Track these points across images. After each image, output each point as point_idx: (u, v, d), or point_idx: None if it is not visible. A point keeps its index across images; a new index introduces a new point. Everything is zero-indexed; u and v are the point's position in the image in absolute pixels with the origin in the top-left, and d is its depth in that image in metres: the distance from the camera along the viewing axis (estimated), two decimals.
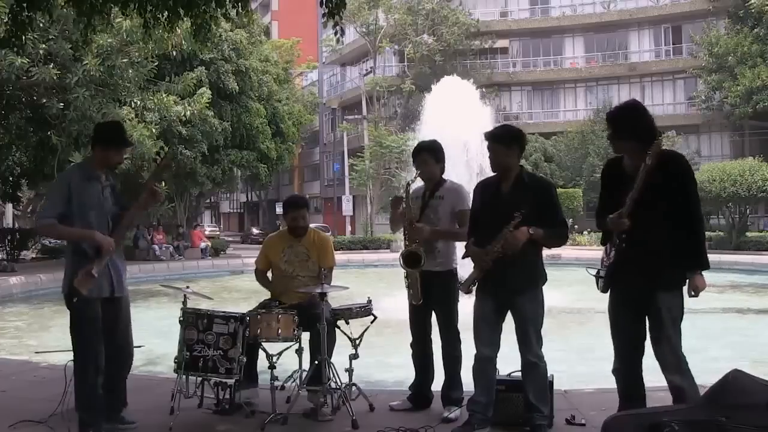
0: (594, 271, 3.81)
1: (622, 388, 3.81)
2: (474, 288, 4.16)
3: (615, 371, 3.82)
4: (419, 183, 4.81)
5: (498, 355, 4.17)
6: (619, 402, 3.81)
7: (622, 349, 3.77)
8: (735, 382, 3.20)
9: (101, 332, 4.05)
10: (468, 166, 13.64)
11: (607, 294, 3.81)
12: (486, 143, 4.16)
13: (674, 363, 3.59)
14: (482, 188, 4.30)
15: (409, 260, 4.55)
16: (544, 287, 4.19)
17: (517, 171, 4.13)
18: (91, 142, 4.32)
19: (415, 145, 4.87)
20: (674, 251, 3.57)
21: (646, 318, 3.67)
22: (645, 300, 3.62)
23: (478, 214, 4.21)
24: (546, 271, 4.19)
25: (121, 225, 4.15)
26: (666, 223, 3.58)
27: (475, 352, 4.15)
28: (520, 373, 4.29)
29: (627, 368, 3.77)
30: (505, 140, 4.12)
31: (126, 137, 4.39)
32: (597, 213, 3.84)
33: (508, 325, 4.16)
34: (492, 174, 4.24)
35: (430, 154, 4.66)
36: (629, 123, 3.65)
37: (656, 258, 3.56)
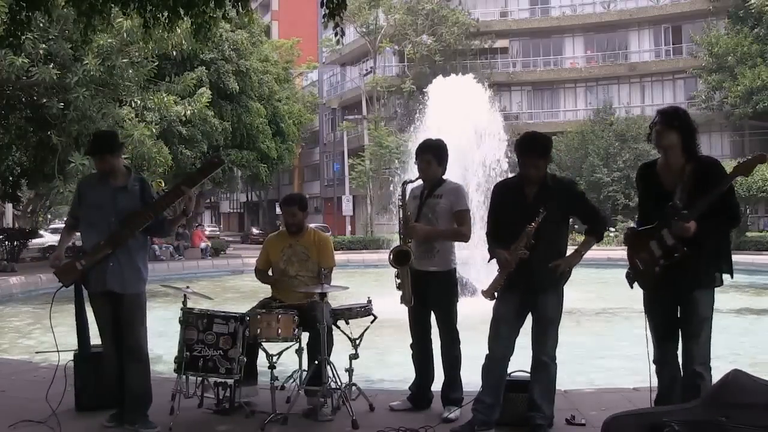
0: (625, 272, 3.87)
1: (661, 378, 3.84)
2: (497, 293, 4.16)
3: (656, 362, 3.85)
4: (418, 181, 4.77)
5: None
6: (657, 393, 3.83)
7: (659, 341, 3.82)
8: (735, 382, 3.20)
9: (111, 327, 4.29)
10: (462, 165, 13.66)
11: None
12: (519, 154, 4.11)
13: (702, 356, 3.66)
14: (503, 189, 4.29)
15: (399, 258, 4.56)
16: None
17: (543, 175, 4.12)
18: None
19: (421, 142, 4.80)
20: (712, 252, 3.65)
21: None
22: (681, 297, 3.69)
23: (501, 216, 4.19)
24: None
25: (126, 225, 4.15)
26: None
27: (487, 351, 4.15)
28: (520, 374, 4.30)
29: (666, 359, 3.81)
30: (546, 153, 4.12)
31: (97, 146, 4.31)
32: (639, 217, 3.88)
33: (523, 328, 4.16)
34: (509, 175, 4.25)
35: (434, 155, 4.63)
36: (680, 117, 3.70)
37: (697, 260, 3.60)
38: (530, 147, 4.09)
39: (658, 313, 3.79)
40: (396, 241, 4.79)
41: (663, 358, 3.82)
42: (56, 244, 4.44)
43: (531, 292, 4.07)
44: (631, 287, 3.85)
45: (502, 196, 4.24)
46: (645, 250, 3.70)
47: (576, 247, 4.11)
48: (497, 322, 4.13)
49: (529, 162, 4.06)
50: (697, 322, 3.66)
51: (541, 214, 3.93)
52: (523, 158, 4.08)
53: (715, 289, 3.71)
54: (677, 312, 3.75)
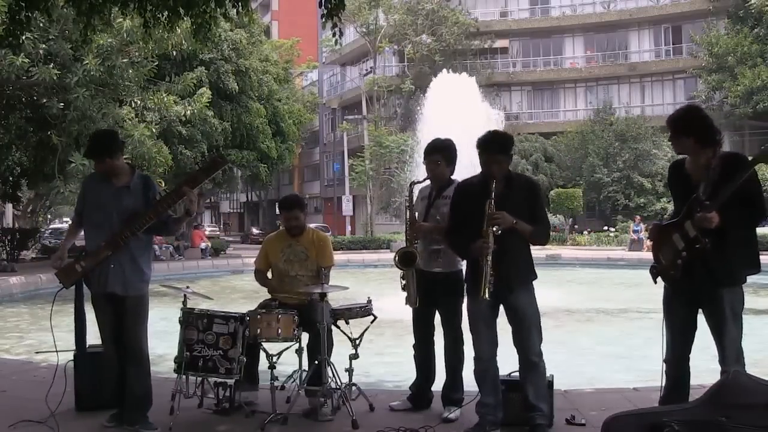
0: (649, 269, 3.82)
1: (669, 378, 3.79)
2: (491, 288, 4.08)
3: (666, 361, 3.79)
4: (426, 182, 4.72)
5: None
6: (663, 392, 3.78)
7: (673, 340, 3.76)
8: (735, 382, 3.21)
9: (111, 328, 4.27)
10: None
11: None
12: (481, 151, 4.09)
13: (734, 355, 3.61)
14: (467, 188, 4.25)
15: (404, 259, 4.55)
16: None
17: (507, 172, 4.13)
18: None
19: (430, 141, 4.73)
20: (737, 248, 3.57)
21: (699, 311, 3.71)
22: (705, 295, 3.62)
23: (465, 213, 4.14)
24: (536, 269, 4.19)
25: (127, 225, 4.12)
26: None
27: (474, 354, 4.13)
28: (519, 374, 4.30)
29: (677, 359, 3.76)
30: (507, 149, 4.11)
31: (95, 148, 4.26)
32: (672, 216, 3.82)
33: (505, 324, 4.13)
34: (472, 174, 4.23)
35: (443, 156, 4.58)
36: (686, 121, 3.63)
37: (722, 255, 3.53)
38: (490, 144, 4.08)
39: (677, 311, 3.73)
40: (397, 241, 4.78)
41: (674, 358, 3.76)
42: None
43: (502, 290, 4.00)
44: (655, 282, 3.80)
45: (467, 195, 4.20)
46: (668, 244, 3.64)
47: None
48: (475, 322, 4.11)
49: (491, 159, 4.04)
50: (722, 321, 3.59)
51: (490, 205, 3.90)
52: (486, 156, 4.07)
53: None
54: (697, 312, 3.69)
